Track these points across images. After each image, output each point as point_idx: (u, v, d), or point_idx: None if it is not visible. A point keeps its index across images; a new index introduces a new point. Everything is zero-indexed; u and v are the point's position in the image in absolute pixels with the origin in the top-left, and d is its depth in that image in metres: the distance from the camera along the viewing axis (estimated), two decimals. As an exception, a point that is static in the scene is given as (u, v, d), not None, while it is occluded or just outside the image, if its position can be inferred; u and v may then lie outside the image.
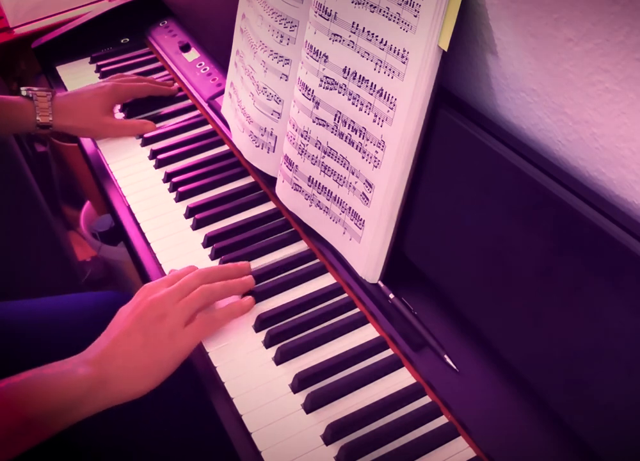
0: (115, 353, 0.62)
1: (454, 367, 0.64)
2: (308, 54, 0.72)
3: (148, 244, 0.82)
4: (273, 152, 0.84)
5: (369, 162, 0.69)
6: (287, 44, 0.78)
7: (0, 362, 0.83)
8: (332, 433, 0.61)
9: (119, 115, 1.04)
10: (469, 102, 0.68)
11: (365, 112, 0.68)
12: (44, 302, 0.92)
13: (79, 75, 1.14)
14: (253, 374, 0.67)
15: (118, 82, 1.01)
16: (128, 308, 0.66)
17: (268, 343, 0.69)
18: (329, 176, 0.74)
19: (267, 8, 0.79)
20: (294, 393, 0.65)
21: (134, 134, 0.99)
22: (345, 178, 0.72)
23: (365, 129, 0.68)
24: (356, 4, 0.66)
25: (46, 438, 0.59)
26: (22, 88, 0.94)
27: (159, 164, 0.93)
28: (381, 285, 0.72)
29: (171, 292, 0.66)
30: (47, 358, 0.86)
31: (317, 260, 0.78)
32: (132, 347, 0.62)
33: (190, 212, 0.85)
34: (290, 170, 0.78)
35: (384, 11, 0.64)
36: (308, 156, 0.75)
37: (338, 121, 0.71)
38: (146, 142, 0.98)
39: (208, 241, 0.81)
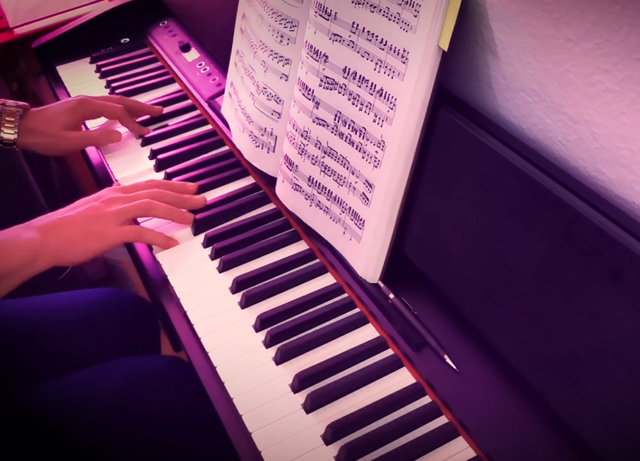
0: (58, 225, 0.75)
1: (454, 367, 0.64)
2: (308, 54, 0.72)
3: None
4: (273, 152, 0.84)
5: (369, 162, 0.69)
6: (287, 44, 0.78)
7: None
8: (332, 433, 0.61)
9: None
10: (469, 102, 0.68)
11: (365, 112, 0.68)
12: (39, 300, 0.93)
13: (79, 75, 1.14)
14: (253, 374, 0.67)
15: (87, 97, 0.97)
16: (87, 198, 0.80)
17: (268, 343, 0.69)
18: (329, 176, 0.74)
19: (267, 7, 0.79)
20: (294, 393, 0.65)
21: (101, 144, 0.98)
22: (345, 178, 0.72)
23: (365, 129, 0.68)
24: (356, 4, 0.66)
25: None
26: None
27: (159, 164, 0.93)
28: (381, 285, 0.72)
29: (122, 199, 0.79)
30: (41, 355, 0.86)
31: (317, 260, 0.78)
32: (71, 226, 0.75)
33: (189, 212, 0.85)
34: (290, 170, 0.78)
35: (384, 11, 0.64)
36: (308, 156, 0.75)
37: (338, 121, 0.71)
38: (146, 142, 0.98)
39: (209, 241, 0.81)
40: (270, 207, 0.86)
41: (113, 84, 1.10)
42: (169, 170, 0.91)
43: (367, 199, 0.70)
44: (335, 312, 0.72)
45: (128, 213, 0.78)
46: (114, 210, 0.77)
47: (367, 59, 0.67)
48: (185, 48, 1.13)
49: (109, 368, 0.83)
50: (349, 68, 0.69)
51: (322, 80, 0.71)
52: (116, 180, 0.92)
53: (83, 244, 0.75)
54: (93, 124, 1.01)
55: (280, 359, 0.67)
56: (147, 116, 1.02)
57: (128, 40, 1.21)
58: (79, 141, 0.96)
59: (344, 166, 0.72)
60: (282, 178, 0.81)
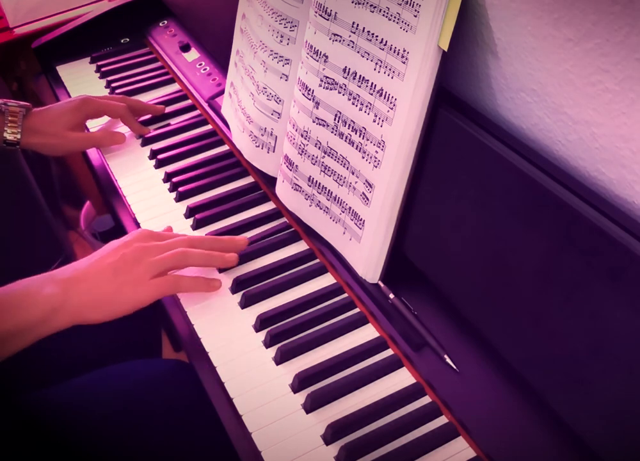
0: (84, 278, 0.67)
1: (454, 367, 0.64)
2: (308, 54, 0.72)
3: (148, 244, 0.82)
4: (273, 152, 0.84)
5: (369, 162, 0.69)
6: (287, 44, 0.78)
7: None
8: (332, 433, 0.61)
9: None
10: (469, 102, 0.68)
11: (365, 112, 0.68)
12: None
13: (79, 75, 1.14)
14: (253, 374, 0.67)
15: (90, 96, 0.96)
16: (117, 243, 0.71)
17: (268, 343, 0.69)
18: (329, 176, 0.74)
19: (267, 7, 0.79)
20: (294, 393, 0.65)
21: (105, 146, 0.97)
22: (345, 178, 0.72)
23: (365, 129, 0.68)
24: (356, 4, 0.66)
25: (8, 356, 0.64)
26: None
27: (159, 164, 0.93)
28: (381, 285, 0.72)
29: (155, 247, 0.71)
30: (42, 356, 0.85)
31: (317, 260, 0.78)
32: (100, 279, 0.67)
33: (190, 212, 0.85)
34: (290, 170, 0.78)
35: (384, 11, 0.64)
36: (308, 156, 0.75)
37: (338, 121, 0.71)
38: (146, 142, 0.98)
39: (209, 241, 0.81)
40: (270, 206, 0.86)
41: (113, 84, 1.10)
42: (168, 170, 0.91)
43: (367, 199, 0.70)
44: (335, 312, 0.72)
45: (162, 265, 0.70)
46: (147, 262, 0.69)
47: (367, 59, 0.66)
48: (185, 48, 1.13)
49: (110, 371, 0.83)
50: (349, 68, 0.69)
51: (322, 80, 0.71)
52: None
53: (109, 304, 0.67)
54: (93, 124, 1.01)
55: (280, 359, 0.67)
56: (148, 116, 1.02)
57: (128, 40, 1.21)
58: (82, 142, 0.96)
59: (344, 166, 0.72)
60: (282, 178, 0.81)
